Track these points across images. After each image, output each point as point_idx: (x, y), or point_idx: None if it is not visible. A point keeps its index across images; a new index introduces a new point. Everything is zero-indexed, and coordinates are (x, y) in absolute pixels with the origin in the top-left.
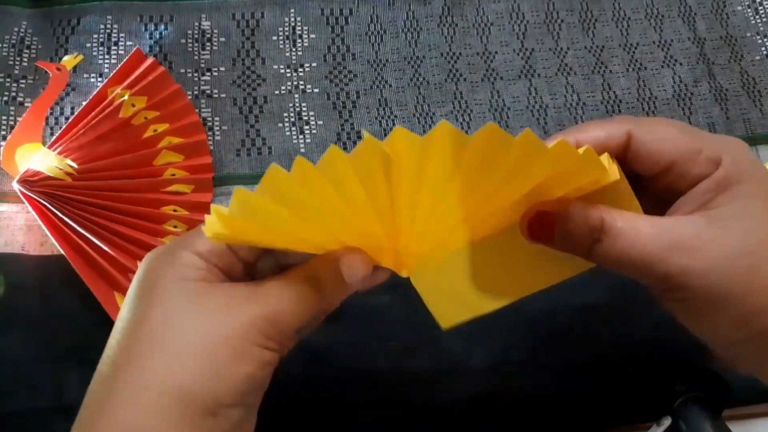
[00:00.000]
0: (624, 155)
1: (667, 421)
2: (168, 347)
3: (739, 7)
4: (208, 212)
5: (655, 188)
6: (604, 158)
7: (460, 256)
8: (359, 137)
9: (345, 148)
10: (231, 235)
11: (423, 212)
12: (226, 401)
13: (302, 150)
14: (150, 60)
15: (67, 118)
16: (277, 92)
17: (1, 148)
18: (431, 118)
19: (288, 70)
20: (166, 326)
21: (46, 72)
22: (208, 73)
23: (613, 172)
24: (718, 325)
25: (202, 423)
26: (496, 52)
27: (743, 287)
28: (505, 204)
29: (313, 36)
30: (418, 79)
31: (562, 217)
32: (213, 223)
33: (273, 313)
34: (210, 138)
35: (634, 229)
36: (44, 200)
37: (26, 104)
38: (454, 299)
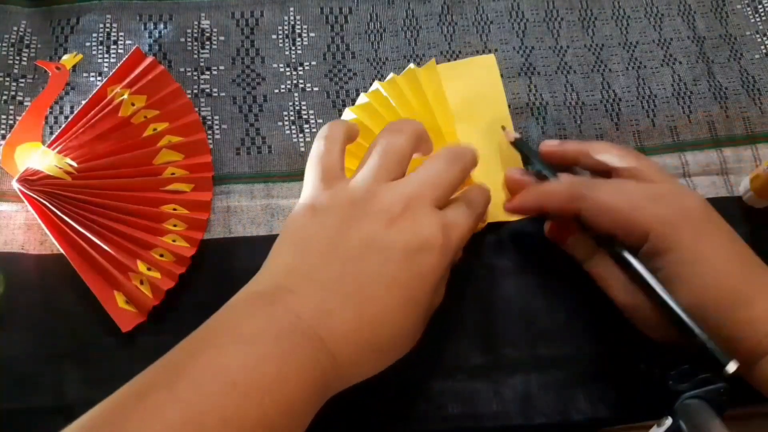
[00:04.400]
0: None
1: (667, 422)
2: None
3: (739, 6)
4: (208, 211)
5: None
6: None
7: None
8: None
9: None
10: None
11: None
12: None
13: (302, 149)
14: (149, 59)
15: (66, 117)
16: (276, 91)
17: (1, 147)
18: None
19: (287, 69)
20: None
21: (45, 71)
22: (208, 72)
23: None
24: None
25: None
26: (496, 50)
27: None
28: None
29: (312, 34)
30: None
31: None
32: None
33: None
34: (209, 137)
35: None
36: (44, 199)
37: (26, 103)
38: None
